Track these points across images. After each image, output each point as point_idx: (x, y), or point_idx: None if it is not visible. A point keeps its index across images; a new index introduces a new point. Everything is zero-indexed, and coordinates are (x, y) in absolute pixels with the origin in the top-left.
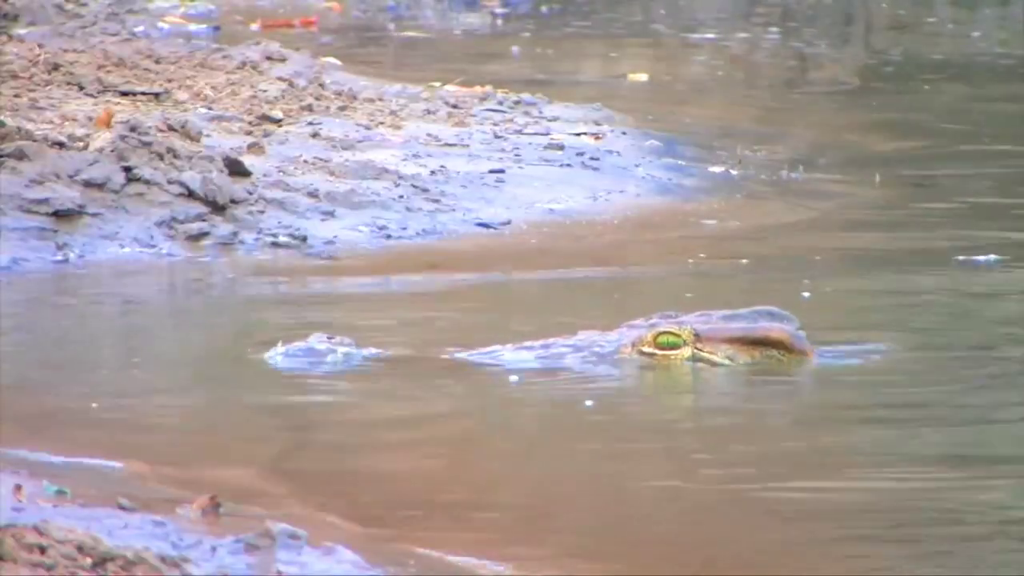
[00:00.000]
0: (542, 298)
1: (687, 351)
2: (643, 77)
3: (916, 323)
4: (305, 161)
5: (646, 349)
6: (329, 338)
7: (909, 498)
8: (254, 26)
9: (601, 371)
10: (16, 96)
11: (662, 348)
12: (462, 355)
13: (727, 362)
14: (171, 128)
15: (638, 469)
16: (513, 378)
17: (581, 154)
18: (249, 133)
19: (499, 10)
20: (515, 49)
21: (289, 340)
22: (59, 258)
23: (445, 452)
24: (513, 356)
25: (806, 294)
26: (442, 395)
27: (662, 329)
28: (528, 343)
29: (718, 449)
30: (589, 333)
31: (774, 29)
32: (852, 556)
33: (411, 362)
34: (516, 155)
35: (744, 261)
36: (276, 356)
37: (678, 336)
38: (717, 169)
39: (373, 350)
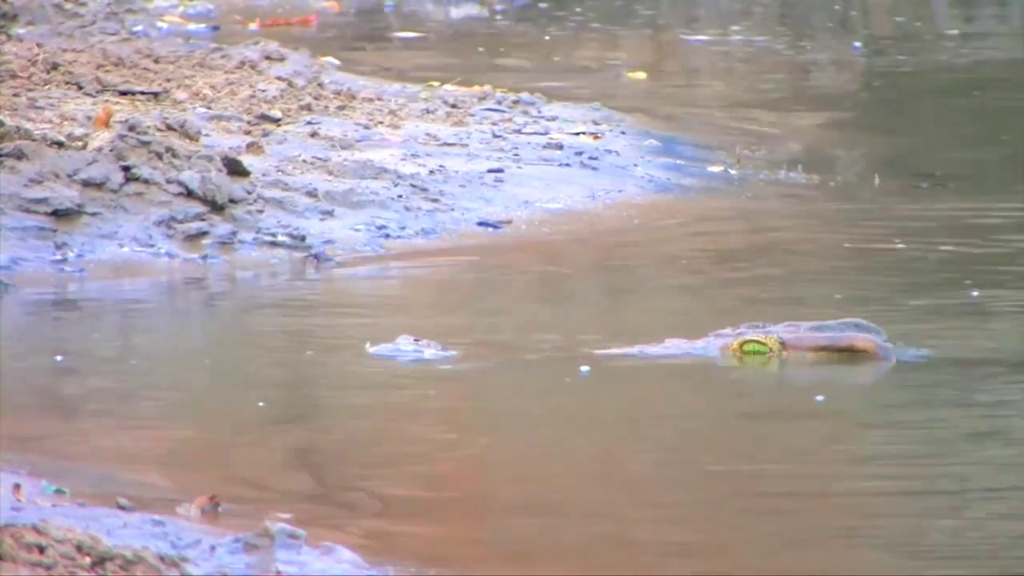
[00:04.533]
0: (585, 295)
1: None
2: (642, 76)
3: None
4: (304, 160)
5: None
6: (416, 339)
7: None
8: (253, 26)
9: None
10: (15, 95)
11: (748, 355)
12: (556, 356)
13: None
14: (170, 128)
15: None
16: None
17: (580, 153)
18: (248, 133)
19: (498, 6)
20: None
21: (376, 341)
22: (58, 257)
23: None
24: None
25: (975, 292)
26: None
27: (748, 337)
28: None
29: None
30: (676, 341)
31: (773, 29)
32: None
33: (501, 363)
34: (515, 154)
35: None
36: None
37: (764, 344)
38: (716, 168)
39: (461, 351)
